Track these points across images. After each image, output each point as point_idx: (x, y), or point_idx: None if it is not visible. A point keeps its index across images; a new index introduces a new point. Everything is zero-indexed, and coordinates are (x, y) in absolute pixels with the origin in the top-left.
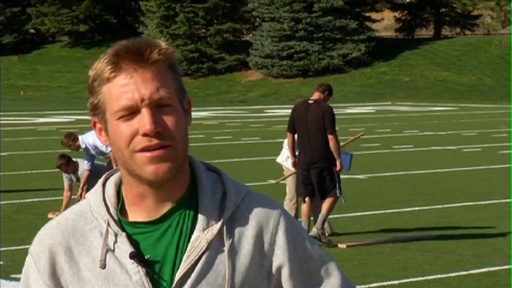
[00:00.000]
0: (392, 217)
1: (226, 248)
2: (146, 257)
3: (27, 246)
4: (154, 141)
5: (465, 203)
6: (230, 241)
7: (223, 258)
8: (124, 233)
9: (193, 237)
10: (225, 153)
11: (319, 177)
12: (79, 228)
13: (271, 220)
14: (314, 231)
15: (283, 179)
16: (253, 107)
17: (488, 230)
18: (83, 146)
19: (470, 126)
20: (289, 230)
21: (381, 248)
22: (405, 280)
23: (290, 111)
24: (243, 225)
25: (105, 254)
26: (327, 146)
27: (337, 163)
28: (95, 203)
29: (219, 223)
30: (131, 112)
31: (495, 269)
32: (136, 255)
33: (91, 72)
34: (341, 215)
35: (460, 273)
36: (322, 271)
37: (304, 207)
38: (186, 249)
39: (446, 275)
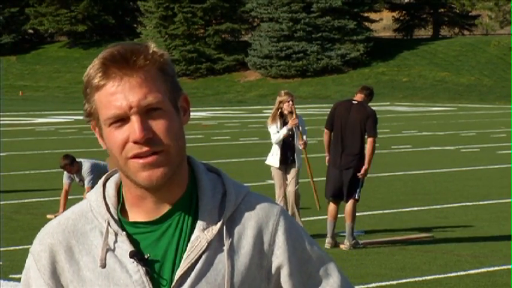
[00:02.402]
0: (391, 217)
1: (225, 248)
2: (146, 256)
3: (25, 247)
4: (145, 148)
5: (464, 203)
6: (230, 241)
7: (222, 258)
8: (124, 233)
9: (193, 236)
10: (224, 153)
11: (351, 178)
12: (79, 228)
13: (271, 220)
14: (347, 244)
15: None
16: (251, 107)
17: (487, 230)
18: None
19: (468, 127)
20: (288, 231)
21: (379, 248)
22: (404, 280)
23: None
24: (243, 225)
25: (106, 254)
26: (363, 148)
27: (363, 169)
28: (95, 203)
29: (219, 223)
30: (121, 119)
31: (493, 269)
32: (136, 254)
33: (84, 78)
34: (340, 216)
35: (459, 273)
36: (322, 272)
37: (331, 207)
38: (185, 249)
39: (445, 275)
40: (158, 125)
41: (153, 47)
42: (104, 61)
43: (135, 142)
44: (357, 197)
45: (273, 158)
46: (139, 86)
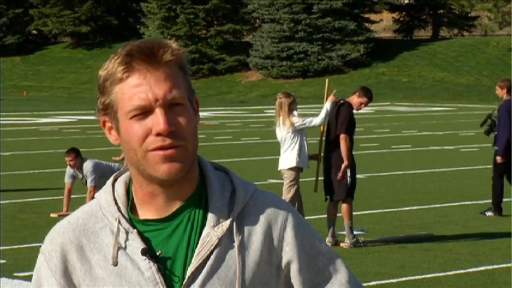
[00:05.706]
0: (391, 216)
1: (236, 244)
2: (158, 253)
3: (29, 245)
4: (168, 141)
5: (463, 202)
6: (240, 237)
7: (233, 254)
8: (135, 230)
9: (203, 233)
10: (225, 153)
11: (334, 178)
12: (90, 227)
13: (280, 217)
14: (347, 242)
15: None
16: (253, 108)
17: (486, 228)
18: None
19: (468, 126)
20: (297, 227)
21: (379, 247)
22: (403, 278)
23: None
24: (252, 222)
25: (117, 252)
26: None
27: (342, 166)
28: (105, 202)
29: (229, 220)
30: (144, 112)
31: (493, 267)
32: (148, 251)
33: (102, 72)
34: (340, 214)
35: (458, 271)
36: (330, 267)
37: (329, 206)
38: (196, 246)
39: (444, 274)
40: (180, 120)
41: (175, 44)
42: (128, 53)
43: (158, 134)
44: (350, 196)
45: (302, 159)
46: (165, 80)
